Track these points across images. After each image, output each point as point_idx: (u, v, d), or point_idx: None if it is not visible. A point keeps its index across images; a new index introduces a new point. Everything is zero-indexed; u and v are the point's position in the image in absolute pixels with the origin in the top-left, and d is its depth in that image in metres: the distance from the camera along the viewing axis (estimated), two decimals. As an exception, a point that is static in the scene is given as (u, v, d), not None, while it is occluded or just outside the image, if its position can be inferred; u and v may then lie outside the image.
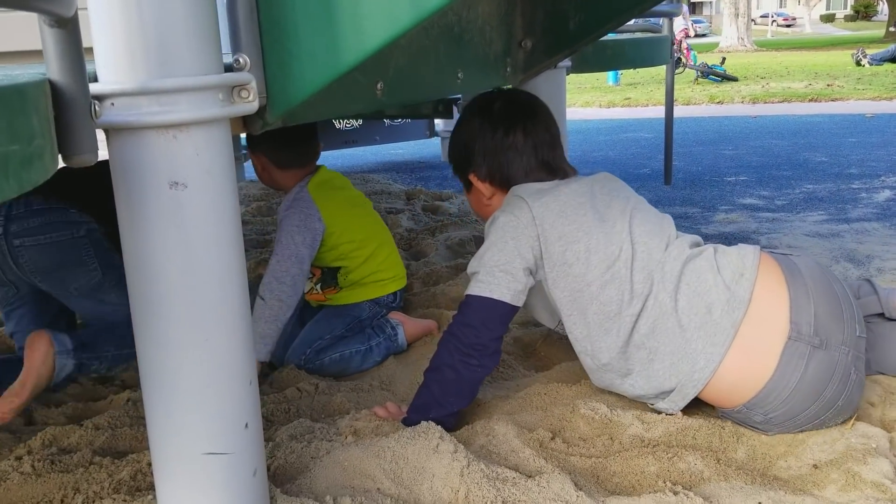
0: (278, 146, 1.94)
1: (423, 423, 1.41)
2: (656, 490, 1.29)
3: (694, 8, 58.98)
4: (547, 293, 1.54)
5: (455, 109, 3.96)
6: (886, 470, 1.31)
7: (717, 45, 25.23)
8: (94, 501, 1.27)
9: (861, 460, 1.34)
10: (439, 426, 1.41)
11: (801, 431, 1.43)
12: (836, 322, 1.39)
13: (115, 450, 1.53)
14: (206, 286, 1.02)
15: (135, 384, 1.84)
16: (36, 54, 1.77)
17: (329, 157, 2.63)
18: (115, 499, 1.27)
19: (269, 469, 1.34)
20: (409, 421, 1.49)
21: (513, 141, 1.59)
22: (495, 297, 1.48)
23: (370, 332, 1.97)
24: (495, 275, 1.49)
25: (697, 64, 11.38)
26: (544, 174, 1.61)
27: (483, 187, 1.64)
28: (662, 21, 3.29)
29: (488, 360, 1.50)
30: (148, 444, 1.46)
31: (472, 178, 1.65)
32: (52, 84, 0.87)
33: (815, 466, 1.36)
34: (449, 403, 1.50)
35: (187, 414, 1.04)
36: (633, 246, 1.49)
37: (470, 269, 1.55)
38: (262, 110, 1.14)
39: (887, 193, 3.65)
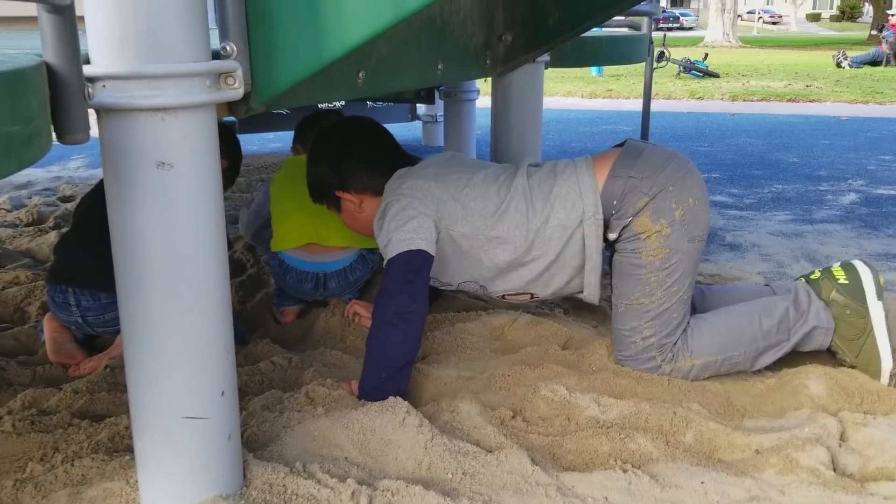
0: None
1: (391, 398, 1.49)
2: (608, 468, 1.37)
3: (682, 1, 59.11)
4: (468, 237, 1.75)
5: (437, 95, 4.01)
6: (823, 457, 1.40)
7: (702, 39, 25.35)
8: (73, 460, 1.33)
9: (800, 447, 1.43)
10: (406, 402, 1.48)
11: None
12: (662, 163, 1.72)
13: (93, 413, 1.59)
14: (188, 262, 1.08)
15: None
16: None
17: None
18: (93, 458, 1.33)
19: (241, 436, 1.41)
20: (364, 388, 1.58)
21: (361, 152, 1.86)
22: (413, 248, 1.67)
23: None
24: (408, 234, 1.68)
25: (681, 59, 11.48)
26: (399, 165, 1.86)
27: (352, 197, 1.85)
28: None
29: (421, 308, 1.64)
30: (125, 409, 1.53)
31: (339, 193, 1.85)
32: (48, 66, 0.92)
33: (757, 451, 1.46)
34: (396, 359, 1.59)
35: (167, 380, 1.11)
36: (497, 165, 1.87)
37: (382, 242, 1.72)
38: (246, 97, 1.20)
39: (852, 196, 3.76)
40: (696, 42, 23.44)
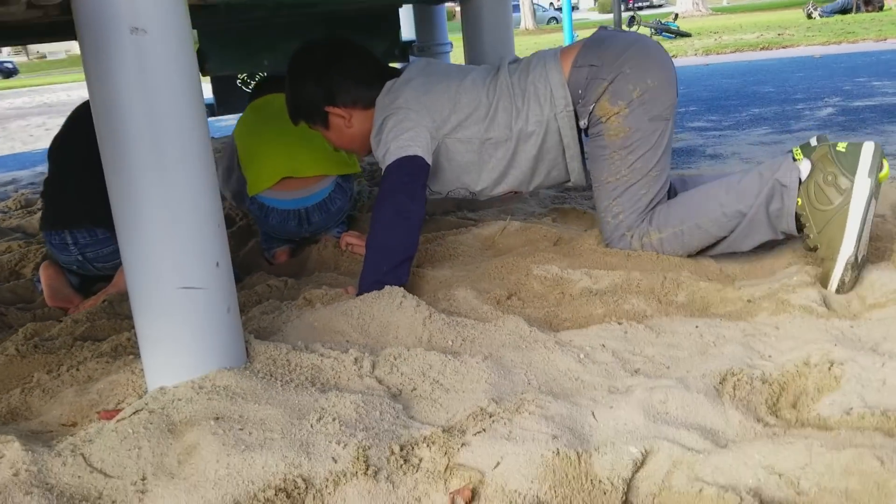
0: None
1: (387, 287, 1.51)
2: (603, 323, 1.40)
3: (649, -23, 58.94)
4: (463, 142, 1.79)
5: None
6: (814, 296, 1.43)
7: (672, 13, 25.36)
8: (78, 367, 1.35)
9: (791, 290, 1.45)
10: (402, 289, 1.50)
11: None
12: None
13: (95, 337, 1.60)
14: (168, 127, 1.10)
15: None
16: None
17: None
18: (98, 361, 1.35)
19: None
20: (364, 282, 1.59)
21: (348, 66, 1.86)
22: (410, 153, 1.70)
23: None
24: (406, 142, 1.71)
25: (651, 21, 11.51)
26: (385, 77, 1.86)
27: (342, 112, 1.86)
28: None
29: (419, 207, 1.67)
30: (126, 329, 1.54)
31: (329, 109, 1.85)
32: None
33: (749, 301, 1.48)
34: (396, 254, 1.61)
35: (159, 250, 1.12)
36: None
37: (381, 152, 1.75)
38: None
39: (829, 110, 3.80)
40: (666, 17, 23.44)
